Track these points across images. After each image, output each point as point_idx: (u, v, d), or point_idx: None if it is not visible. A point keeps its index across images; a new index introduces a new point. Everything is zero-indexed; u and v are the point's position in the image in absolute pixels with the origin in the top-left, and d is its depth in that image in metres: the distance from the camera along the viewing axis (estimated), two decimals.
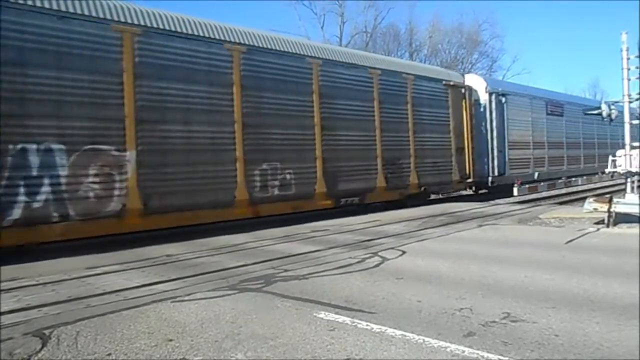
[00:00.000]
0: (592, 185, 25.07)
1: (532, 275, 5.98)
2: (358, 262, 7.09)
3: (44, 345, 4.06)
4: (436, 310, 4.67)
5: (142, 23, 9.85)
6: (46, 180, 8.39)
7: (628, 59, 10.95)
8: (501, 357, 3.53)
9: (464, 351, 3.67)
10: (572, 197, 20.55)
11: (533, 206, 15.14)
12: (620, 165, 11.83)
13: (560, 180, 22.59)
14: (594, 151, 27.25)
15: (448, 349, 3.72)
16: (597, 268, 6.32)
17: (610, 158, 13.01)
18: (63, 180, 8.56)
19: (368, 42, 40.81)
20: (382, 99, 14.67)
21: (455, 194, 18.88)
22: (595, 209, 10.05)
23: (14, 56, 8.12)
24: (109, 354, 3.85)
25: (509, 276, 5.98)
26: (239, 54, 11.31)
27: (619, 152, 11.93)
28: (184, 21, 10.62)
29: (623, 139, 14.78)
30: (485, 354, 3.59)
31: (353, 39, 40.36)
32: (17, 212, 8.08)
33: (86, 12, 9.06)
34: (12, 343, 4.12)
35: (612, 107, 13.03)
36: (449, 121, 17.10)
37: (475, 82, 19.31)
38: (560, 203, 18.01)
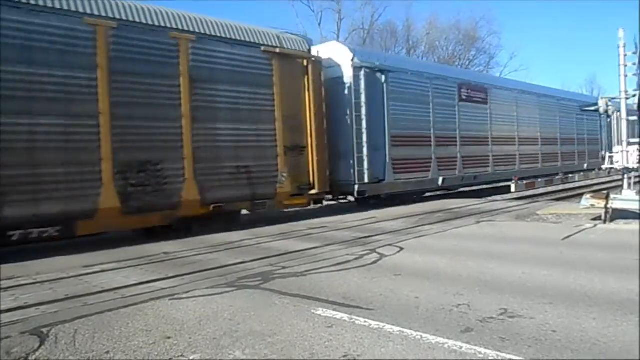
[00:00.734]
0: (589, 182, 25.10)
1: (530, 271, 5.99)
2: (356, 258, 7.09)
3: (41, 343, 4.06)
4: (434, 307, 4.68)
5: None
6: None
7: (625, 55, 10.97)
8: (499, 353, 3.54)
9: (461, 347, 3.67)
10: (570, 194, 20.56)
11: (530, 202, 15.17)
12: (617, 162, 11.85)
13: (557, 177, 22.42)
14: (555, 148, 23.63)
15: (446, 345, 3.72)
16: (594, 264, 6.33)
17: (607, 154, 13.03)
18: None
19: (366, 38, 40.79)
20: (118, 66, 9.42)
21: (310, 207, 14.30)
22: (593, 205, 10.08)
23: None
24: (107, 352, 3.85)
25: (507, 272, 6.00)
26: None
27: (616, 149, 11.94)
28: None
29: (605, 133, 15.02)
30: (483, 350, 3.60)
31: (350, 35, 40.34)
32: None
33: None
34: (10, 342, 4.11)
35: (609, 103, 13.05)
36: (272, 106, 11.78)
37: (335, 52, 14.16)
38: (558, 199, 18.02)
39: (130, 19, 9.71)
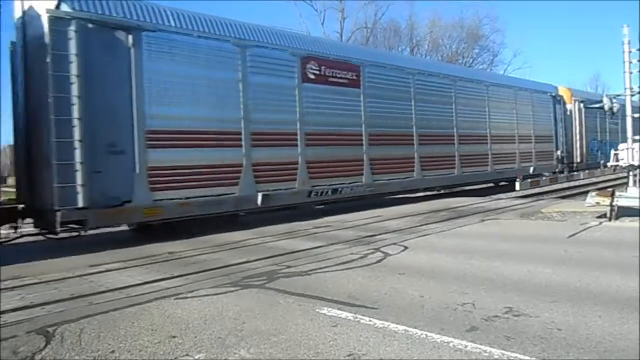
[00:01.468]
0: (594, 179, 24.98)
1: (535, 269, 5.97)
2: (360, 257, 7.09)
3: (47, 343, 4.08)
4: (439, 306, 4.67)
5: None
6: None
7: (629, 52, 10.91)
8: (504, 352, 3.53)
9: (466, 346, 3.67)
10: (575, 191, 20.46)
11: (535, 200, 15.12)
12: (622, 159, 11.79)
13: (563, 176, 22.45)
14: (482, 148, 18.15)
15: (451, 344, 3.72)
16: (600, 262, 6.31)
17: (613, 152, 12.97)
18: None
19: (369, 37, 40.70)
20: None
21: None
22: (598, 203, 10.04)
23: None
24: (113, 351, 3.86)
25: (512, 271, 5.98)
26: None
27: (621, 146, 11.89)
28: None
29: (561, 128, 15.17)
30: (488, 349, 3.59)
31: (354, 34, 40.27)
32: None
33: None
34: (16, 341, 4.13)
35: (614, 100, 12.99)
36: None
37: None
38: (563, 197, 17.95)
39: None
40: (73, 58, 8.61)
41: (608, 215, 9.80)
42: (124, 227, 10.54)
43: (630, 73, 11.07)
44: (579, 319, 4.17)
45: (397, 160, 14.52)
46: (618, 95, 13.07)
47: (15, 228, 9.13)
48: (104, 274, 6.66)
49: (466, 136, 17.28)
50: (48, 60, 8.48)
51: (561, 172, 22.90)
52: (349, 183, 13.10)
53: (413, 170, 15.04)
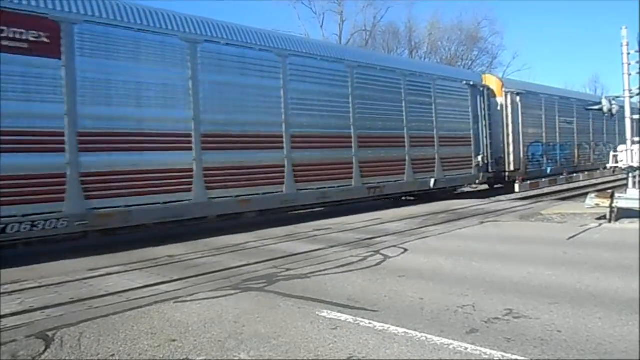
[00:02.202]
0: (594, 181, 24.95)
1: (535, 271, 5.97)
2: (360, 260, 7.08)
3: (47, 347, 4.07)
4: (438, 308, 4.67)
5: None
6: None
7: (628, 54, 10.93)
8: (504, 354, 3.53)
9: (466, 348, 3.67)
10: (574, 193, 20.46)
11: (535, 202, 15.12)
12: (621, 161, 11.80)
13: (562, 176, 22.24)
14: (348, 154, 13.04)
15: (451, 346, 3.71)
16: (599, 263, 6.31)
17: (612, 153, 12.98)
18: None
19: (368, 40, 40.78)
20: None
21: None
22: (597, 205, 10.04)
23: None
24: (113, 355, 3.86)
25: (512, 273, 5.98)
26: None
27: (621, 147, 11.89)
28: None
29: (484, 127, 15.66)
30: (488, 351, 3.59)
31: (353, 37, 40.34)
32: None
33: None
34: (15, 345, 4.12)
35: (613, 102, 13.00)
36: None
37: None
38: (562, 199, 17.95)
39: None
40: None
41: (608, 216, 9.80)
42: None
43: (629, 75, 11.08)
44: (579, 321, 4.17)
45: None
46: (617, 97, 13.08)
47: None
48: (104, 278, 6.65)
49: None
50: None
51: (487, 183, 19.05)
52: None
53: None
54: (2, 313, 5.03)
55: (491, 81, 19.23)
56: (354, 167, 12.98)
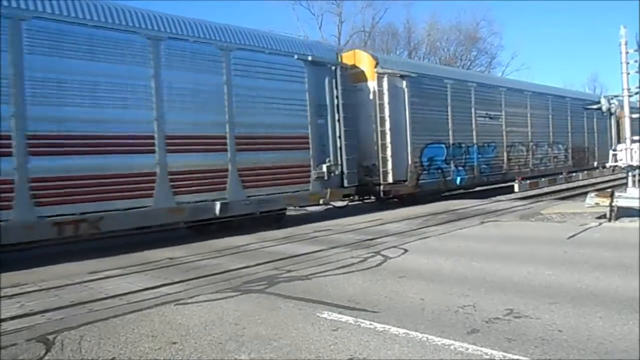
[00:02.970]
0: (593, 180, 24.94)
1: (535, 271, 5.97)
2: (360, 261, 7.08)
3: (48, 350, 4.07)
4: (439, 308, 4.67)
5: None
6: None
7: (627, 52, 10.93)
8: (505, 354, 3.53)
9: (467, 348, 3.66)
10: (574, 192, 20.46)
11: (535, 202, 15.12)
12: (621, 159, 11.80)
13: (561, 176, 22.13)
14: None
15: (452, 347, 3.71)
16: (600, 263, 6.31)
17: (611, 152, 12.99)
18: None
19: (367, 41, 40.80)
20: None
21: None
22: (597, 204, 10.04)
23: None
24: (113, 358, 3.86)
25: (512, 272, 5.98)
26: None
27: (620, 146, 11.90)
28: None
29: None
30: (489, 351, 3.59)
31: (351, 38, 40.37)
32: None
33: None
34: (16, 349, 4.12)
35: (612, 101, 13.01)
36: None
37: None
38: (562, 198, 17.95)
39: None
40: None
41: (608, 215, 9.80)
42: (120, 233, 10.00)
43: (628, 74, 11.09)
44: (579, 320, 4.17)
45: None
46: (616, 96, 13.09)
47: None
48: (104, 281, 6.65)
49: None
50: None
51: (350, 195, 13.43)
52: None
53: None
54: (3, 316, 5.02)
55: (360, 59, 14.35)
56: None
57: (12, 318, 5.02)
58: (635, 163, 11.17)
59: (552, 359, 3.44)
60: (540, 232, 9.33)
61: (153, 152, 9.36)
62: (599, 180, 24.34)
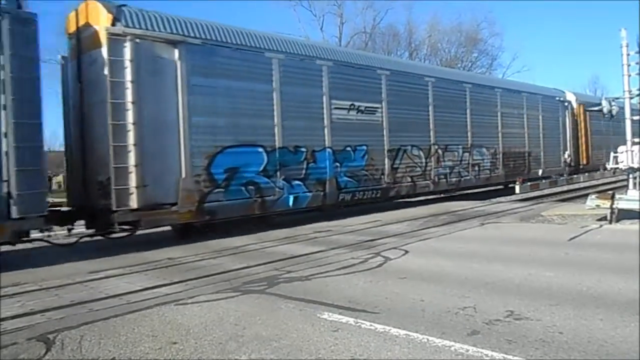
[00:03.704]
0: (594, 182, 24.88)
1: (536, 272, 5.96)
2: (361, 262, 7.08)
3: (48, 349, 4.06)
4: (440, 310, 4.66)
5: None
6: None
7: (628, 55, 10.94)
8: (505, 356, 3.52)
9: (468, 350, 3.66)
10: (575, 194, 20.45)
11: (535, 204, 15.11)
12: (622, 162, 11.81)
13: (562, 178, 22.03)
14: None
15: (452, 348, 3.71)
16: (600, 265, 6.30)
17: (612, 154, 13.00)
18: None
19: (367, 42, 40.81)
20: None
21: None
22: (598, 206, 10.04)
23: None
24: (113, 358, 3.85)
25: (512, 274, 5.97)
26: None
27: (621, 148, 11.91)
28: None
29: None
30: (490, 353, 3.58)
31: (352, 39, 40.38)
32: None
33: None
34: (16, 348, 4.12)
35: (613, 103, 13.02)
36: None
37: None
38: (563, 200, 17.94)
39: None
40: None
41: (608, 217, 9.79)
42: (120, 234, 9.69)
43: (629, 76, 11.10)
44: (580, 322, 4.16)
45: None
46: (617, 98, 13.10)
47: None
48: (104, 280, 6.64)
49: None
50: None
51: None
52: None
53: None
54: (3, 316, 5.02)
55: (94, 13, 9.39)
56: None
57: (13, 317, 5.01)
58: (636, 165, 11.18)
59: None
60: (541, 233, 9.32)
61: None
62: (600, 182, 24.33)
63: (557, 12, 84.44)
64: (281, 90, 11.31)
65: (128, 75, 8.94)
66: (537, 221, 10.87)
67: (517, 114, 19.57)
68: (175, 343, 4.09)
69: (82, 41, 9.68)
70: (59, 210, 9.95)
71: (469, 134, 16.98)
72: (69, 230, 9.60)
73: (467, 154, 16.84)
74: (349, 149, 12.86)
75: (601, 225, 9.53)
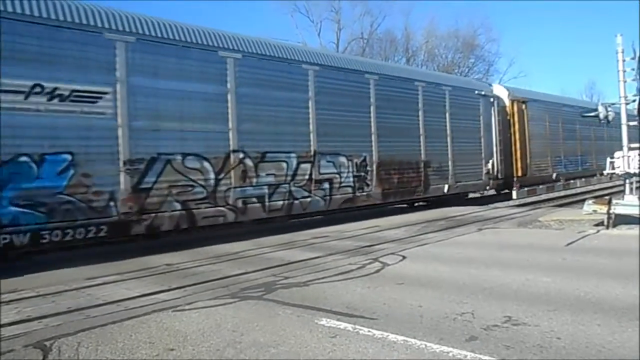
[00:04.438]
0: (591, 187, 24.95)
1: (533, 278, 5.97)
2: (359, 268, 7.07)
3: (45, 356, 4.04)
4: (438, 315, 4.66)
5: None
6: None
7: (623, 61, 11.01)
8: None
9: (466, 356, 3.66)
10: (572, 200, 20.50)
11: (532, 209, 15.13)
12: (618, 167, 11.85)
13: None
14: None
15: (450, 354, 3.71)
16: (598, 270, 6.31)
17: (609, 160, 13.04)
18: None
19: (365, 48, 40.98)
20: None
21: None
22: (595, 211, 10.07)
23: None
24: None
25: (510, 280, 5.98)
26: None
27: (617, 154, 11.96)
28: None
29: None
30: (488, 358, 3.58)
31: (350, 45, 40.54)
32: None
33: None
34: (13, 355, 4.10)
35: (609, 108, 13.09)
36: None
37: None
38: (560, 205, 17.99)
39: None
40: None
41: (605, 223, 9.82)
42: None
43: (625, 81, 11.16)
44: (578, 328, 4.17)
45: None
46: (613, 104, 13.16)
47: None
48: (101, 287, 6.62)
49: None
50: None
51: None
52: None
53: None
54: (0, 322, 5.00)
55: None
56: None
57: (10, 324, 4.99)
58: (632, 170, 11.22)
59: None
60: (539, 239, 9.34)
61: None
62: (597, 187, 24.40)
63: (554, 18, 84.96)
64: None
65: None
66: (534, 226, 10.89)
67: (408, 110, 14.35)
68: (172, 350, 4.08)
69: None
70: None
71: (312, 135, 11.57)
72: None
73: (306, 165, 11.53)
74: (25, 159, 7.58)
75: (598, 231, 9.55)
